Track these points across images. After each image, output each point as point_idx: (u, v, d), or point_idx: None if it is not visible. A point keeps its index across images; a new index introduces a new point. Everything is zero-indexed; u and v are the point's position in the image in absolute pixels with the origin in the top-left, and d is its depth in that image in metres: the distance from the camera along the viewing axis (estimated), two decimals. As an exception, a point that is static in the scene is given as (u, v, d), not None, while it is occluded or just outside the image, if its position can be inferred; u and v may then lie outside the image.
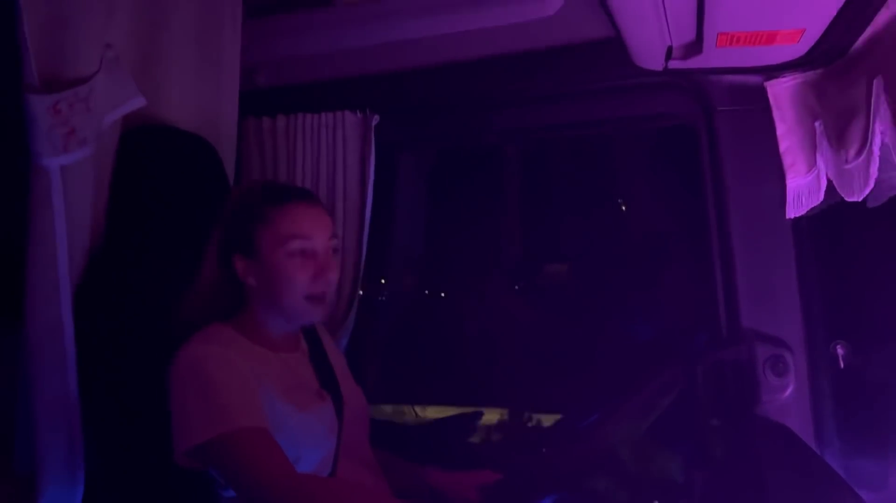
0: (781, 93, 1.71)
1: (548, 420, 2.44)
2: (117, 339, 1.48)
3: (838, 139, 1.54)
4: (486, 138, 2.23)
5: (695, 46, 1.64)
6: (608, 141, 2.56)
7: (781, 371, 1.73)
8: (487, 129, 2.13)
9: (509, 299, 2.73)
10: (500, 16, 1.78)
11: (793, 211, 1.72)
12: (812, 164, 1.68)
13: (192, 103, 1.81)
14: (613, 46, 1.74)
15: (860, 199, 1.52)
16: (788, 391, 1.73)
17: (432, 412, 2.46)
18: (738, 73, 1.75)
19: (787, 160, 1.71)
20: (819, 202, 1.69)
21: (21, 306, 1.39)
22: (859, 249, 1.88)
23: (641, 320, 2.40)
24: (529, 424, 2.48)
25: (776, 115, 1.71)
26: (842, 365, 1.78)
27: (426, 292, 2.83)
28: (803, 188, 1.71)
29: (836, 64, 1.60)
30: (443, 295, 2.85)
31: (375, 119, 2.02)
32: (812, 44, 1.56)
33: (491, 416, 2.43)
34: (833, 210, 1.71)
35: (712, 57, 1.64)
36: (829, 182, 1.64)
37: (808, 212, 1.72)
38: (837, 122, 1.56)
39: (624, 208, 2.65)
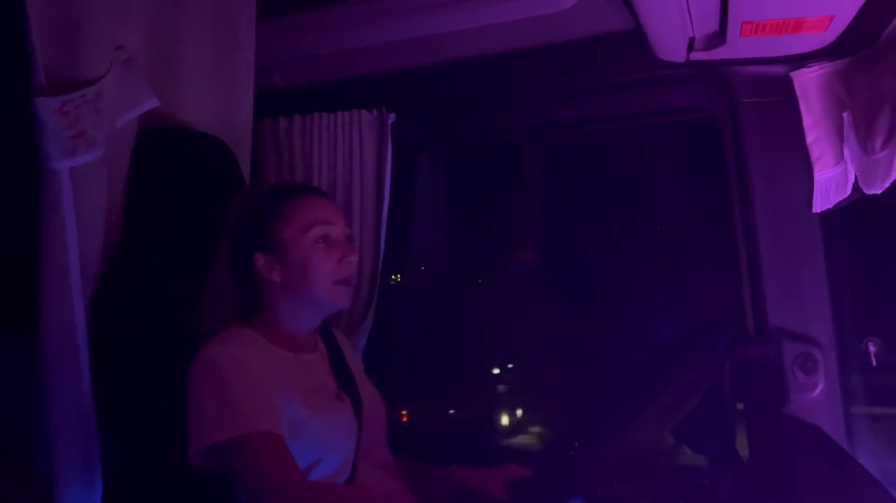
0: (808, 83, 1.66)
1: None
2: (133, 344, 1.47)
3: (866, 130, 1.51)
4: (505, 135, 2.21)
5: (718, 37, 1.60)
6: (630, 137, 2.52)
7: (810, 369, 1.68)
8: (505, 126, 2.10)
9: (528, 298, 2.70)
10: (517, 10, 1.75)
11: (820, 205, 1.68)
12: (840, 157, 1.64)
13: (207, 104, 1.81)
14: (633, 38, 1.70)
15: (880, 192, 1.48)
16: (818, 390, 1.68)
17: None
18: (763, 64, 1.70)
19: (814, 153, 1.67)
20: (847, 195, 1.65)
21: (35, 312, 1.39)
22: (891, 243, 1.83)
23: (666, 319, 2.37)
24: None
25: (803, 106, 1.67)
26: (874, 362, 1.73)
27: (444, 292, 2.80)
28: (831, 181, 1.67)
29: (864, 52, 1.55)
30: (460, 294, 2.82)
31: (392, 117, 2.00)
32: (840, 31, 1.51)
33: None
34: (863, 203, 1.66)
35: (736, 47, 1.60)
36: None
37: (836, 205, 1.67)
38: (865, 112, 1.52)
39: (647, 206, 2.60)
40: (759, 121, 1.75)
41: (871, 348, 1.74)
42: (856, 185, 1.62)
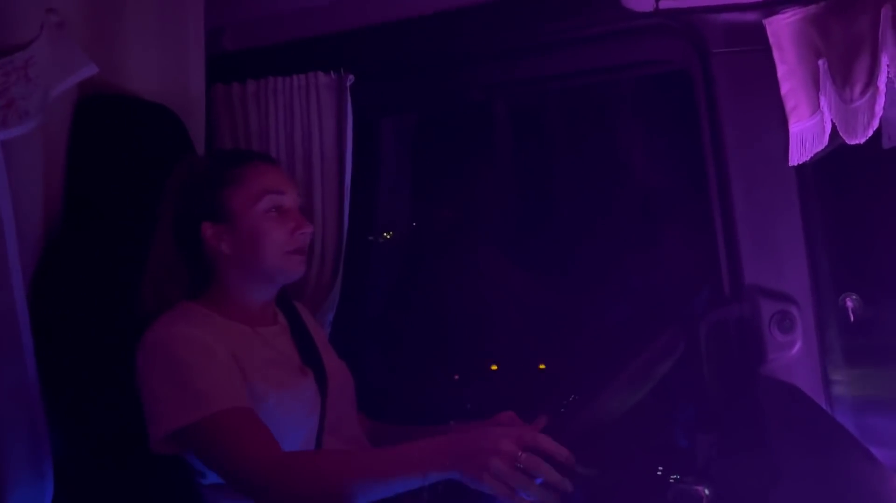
0: (782, 30, 1.60)
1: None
2: (79, 325, 1.41)
3: (843, 77, 1.45)
4: (470, 95, 2.14)
5: (687, -18, 1.54)
6: (601, 94, 2.46)
7: (788, 327, 1.65)
8: (471, 84, 2.04)
9: (501, 267, 2.65)
10: (478, -40, 1.68)
11: (796, 157, 1.62)
12: (815, 107, 1.58)
13: (153, 70, 1.73)
14: (599, -12, 1.64)
15: (863, 141, 1.43)
16: (796, 348, 1.65)
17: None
18: (734, 11, 1.64)
19: (788, 103, 1.61)
20: (823, 147, 1.59)
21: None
22: (868, 196, 1.79)
23: (641, 280, 2.33)
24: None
25: (776, 54, 1.60)
26: (852, 318, 1.71)
27: (415, 261, 2.74)
28: (807, 132, 1.61)
29: (840, -5, 1.50)
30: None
31: (350, 79, 1.91)
32: (814, -28, 1.46)
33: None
34: (839, 155, 1.62)
35: (706, -7, 1.54)
36: (834, 125, 1.54)
37: (812, 158, 1.62)
38: (842, 58, 1.46)
39: (620, 165, 2.55)
40: (731, 72, 1.69)
41: (849, 304, 1.71)
42: (831, 137, 1.57)
